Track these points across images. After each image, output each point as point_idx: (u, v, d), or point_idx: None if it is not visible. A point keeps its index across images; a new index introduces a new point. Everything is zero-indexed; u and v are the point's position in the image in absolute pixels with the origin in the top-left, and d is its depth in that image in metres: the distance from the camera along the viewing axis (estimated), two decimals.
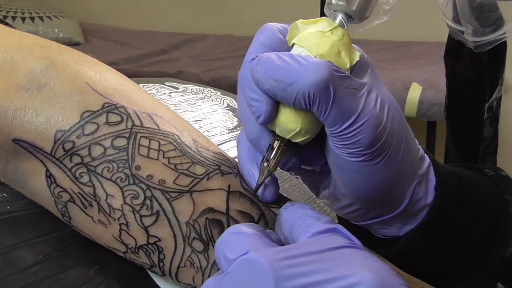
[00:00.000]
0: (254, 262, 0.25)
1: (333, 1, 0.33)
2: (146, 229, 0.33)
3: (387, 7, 0.34)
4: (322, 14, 0.35)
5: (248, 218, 0.35)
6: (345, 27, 0.33)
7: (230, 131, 0.69)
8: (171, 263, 0.34)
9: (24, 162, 0.34)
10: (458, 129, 0.67)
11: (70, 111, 0.34)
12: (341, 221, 0.40)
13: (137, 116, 0.35)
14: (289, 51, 0.33)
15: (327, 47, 0.32)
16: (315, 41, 0.32)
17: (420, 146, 0.37)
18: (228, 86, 1.92)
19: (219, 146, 0.49)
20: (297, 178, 0.40)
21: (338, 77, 0.30)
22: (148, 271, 0.36)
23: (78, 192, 0.33)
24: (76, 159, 0.33)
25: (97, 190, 0.33)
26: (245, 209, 0.35)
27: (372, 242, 0.39)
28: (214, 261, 0.33)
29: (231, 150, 0.62)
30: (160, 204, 0.33)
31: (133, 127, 0.34)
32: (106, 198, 0.33)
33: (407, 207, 0.35)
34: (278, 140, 0.33)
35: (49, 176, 0.34)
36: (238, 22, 2.84)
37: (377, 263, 0.25)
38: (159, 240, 0.33)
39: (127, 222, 0.33)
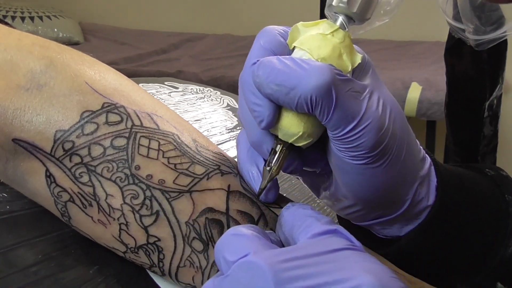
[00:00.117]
0: (253, 264, 0.25)
1: (333, 3, 0.33)
2: (145, 229, 0.33)
3: (388, 8, 0.34)
4: (322, 13, 0.35)
5: (248, 218, 0.35)
6: (346, 29, 0.33)
7: (229, 130, 0.69)
8: (170, 263, 0.34)
9: (23, 162, 0.34)
10: (458, 128, 0.67)
11: (69, 110, 0.34)
12: (342, 220, 0.40)
13: (137, 116, 0.35)
14: (290, 54, 0.33)
15: (329, 50, 0.32)
16: (316, 44, 0.32)
17: (421, 147, 0.37)
18: (228, 86, 1.92)
19: (219, 146, 0.49)
20: (297, 178, 0.40)
21: (340, 80, 0.30)
22: (148, 271, 0.36)
23: (78, 192, 0.33)
24: (76, 159, 0.33)
25: (97, 190, 0.33)
26: (245, 209, 0.35)
27: (373, 242, 0.39)
28: (214, 261, 0.33)
29: (230, 150, 0.62)
30: (159, 204, 0.33)
31: (133, 127, 0.34)
32: (106, 198, 0.33)
33: (409, 208, 0.35)
34: (280, 144, 0.33)
35: (48, 176, 0.34)
36: (238, 21, 2.84)
37: (377, 265, 0.25)
38: (159, 240, 0.33)
39: (126, 222, 0.33)
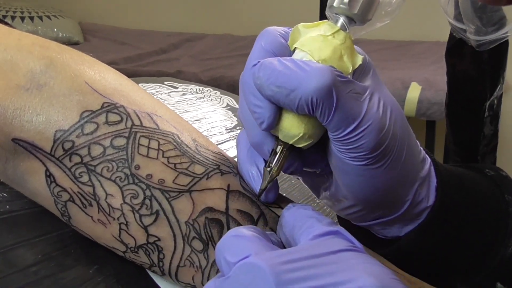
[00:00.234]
0: (255, 266, 0.25)
1: (334, 4, 0.33)
2: (145, 228, 0.33)
3: (389, 9, 0.34)
4: (322, 13, 0.35)
5: (248, 218, 0.35)
6: (347, 30, 0.33)
7: (229, 130, 0.69)
8: (170, 263, 0.34)
9: (23, 162, 0.34)
10: (459, 127, 0.67)
11: (69, 110, 0.34)
12: (342, 221, 0.40)
13: (137, 115, 0.35)
14: (290, 55, 0.33)
15: (329, 51, 0.32)
16: (317, 46, 0.32)
17: (421, 148, 0.37)
18: (228, 86, 1.92)
19: (219, 146, 0.49)
20: (298, 179, 0.40)
21: (340, 82, 0.30)
22: (147, 270, 0.36)
23: (78, 192, 0.33)
24: (76, 159, 0.33)
25: (97, 190, 0.33)
26: (244, 209, 0.35)
27: (373, 242, 0.39)
28: (214, 261, 0.33)
29: (230, 150, 0.62)
30: (159, 204, 0.33)
31: (133, 126, 0.34)
32: (106, 198, 0.33)
33: (409, 208, 0.35)
34: (281, 145, 0.33)
35: (48, 175, 0.34)
36: (238, 21, 2.84)
37: (379, 267, 0.25)
38: (159, 239, 0.33)
39: (126, 222, 0.33)
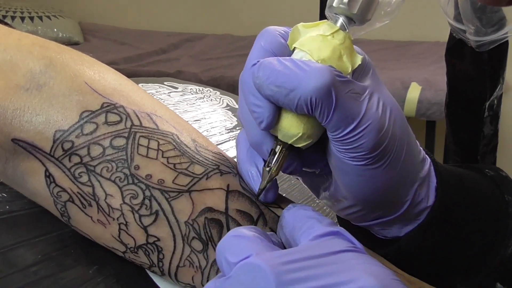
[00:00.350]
0: (255, 266, 0.25)
1: (334, 4, 0.33)
2: (145, 228, 0.33)
3: (388, 9, 0.34)
4: (322, 13, 0.35)
5: (247, 217, 0.35)
6: (347, 30, 0.33)
7: (229, 131, 0.69)
8: (170, 263, 0.34)
9: (23, 162, 0.34)
10: (459, 128, 0.67)
11: (69, 110, 0.34)
12: (341, 221, 0.40)
13: (136, 115, 0.35)
14: (290, 55, 0.33)
15: (329, 51, 0.32)
16: (316, 45, 0.32)
17: (421, 148, 0.37)
18: (228, 86, 1.92)
19: (218, 146, 0.49)
20: (297, 179, 0.40)
21: (339, 82, 0.30)
22: (147, 271, 0.36)
23: (77, 192, 0.33)
24: (75, 159, 0.33)
25: (96, 190, 0.33)
26: (244, 209, 0.35)
27: (372, 242, 0.39)
28: (214, 261, 0.33)
29: (230, 150, 0.62)
30: (159, 204, 0.33)
31: (132, 126, 0.34)
32: (105, 198, 0.33)
33: (408, 209, 0.35)
34: (280, 145, 0.33)
35: (48, 175, 0.34)
36: (238, 21, 2.84)
37: (379, 267, 0.25)
38: (158, 239, 0.33)
39: (126, 222, 0.33)
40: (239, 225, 0.34)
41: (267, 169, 0.34)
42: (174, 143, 0.35)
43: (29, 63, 0.35)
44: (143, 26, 3.00)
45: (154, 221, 0.33)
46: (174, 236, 0.33)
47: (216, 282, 0.27)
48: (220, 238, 0.33)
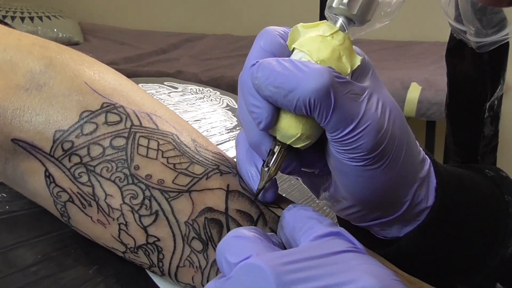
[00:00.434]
0: (256, 267, 0.25)
1: (333, 5, 0.32)
2: (145, 228, 0.33)
3: (388, 10, 0.34)
4: (322, 13, 0.35)
5: (247, 218, 0.35)
6: (346, 31, 0.32)
7: (229, 131, 0.69)
8: (170, 263, 0.34)
9: (23, 162, 0.34)
10: (459, 128, 0.67)
11: (69, 111, 0.34)
12: (341, 221, 0.40)
13: (136, 116, 0.35)
14: (289, 55, 0.33)
15: (328, 52, 0.32)
16: (315, 46, 0.32)
17: (421, 148, 0.37)
18: (228, 86, 1.92)
19: (218, 146, 0.49)
20: (297, 179, 0.40)
21: (338, 83, 0.30)
22: (147, 271, 0.36)
23: (77, 192, 0.33)
24: (75, 159, 0.33)
25: (96, 190, 0.33)
26: (244, 209, 0.35)
27: (372, 242, 0.39)
28: (214, 261, 0.33)
29: (230, 150, 0.62)
30: (159, 204, 0.33)
31: (132, 127, 0.34)
32: (105, 198, 0.33)
33: (408, 209, 0.35)
34: (279, 145, 0.33)
35: (48, 176, 0.34)
36: (238, 21, 2.84)
37: (380, 268, 0.25)
38: (158, 239, 0.33)
39: (126, 222, 0.33)
40: (239, 225, 0.34)
41: (266, 169, 0.34)
42: (174, 143, 0.35)
43: (29, 63, 0.35)
44: (143, 26, 2.99)
45: (154, 221, 0.33)
46: (174, 236, 0.33)
47: (216, 282, 0.27)
48: (220, 238, 0.33)
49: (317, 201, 0.54)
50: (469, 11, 0.42)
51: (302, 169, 0.36)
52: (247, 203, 0.35)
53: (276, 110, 0.32)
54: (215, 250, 0.33)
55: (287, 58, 0.31)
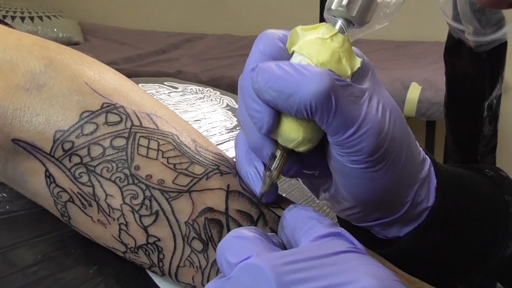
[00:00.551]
0: (256, 267, 0.25)
1: (332, 7, 0.32)
2: (145, 229, 0.33)
3: (387, 11, 0.34)
4: (322, 12, 0.35)
5: (247, 218, 0.35)
6: (346, 33, 0.32)
7: (229, 131, 0.69)
8: (170, 263, 0.34)
9: (23, 162, 0.34)
10: (458, 127, 0.67)
11: (69, 111, 0.34)
12: (341, 221, 0.40)
13: (136, 116, 0.35)
14: (289, 59, 0.33)
15: (328, 54, 0.31)
16: (315, 49, 0.32)
17: (421, 149, 0.37)
18: (228, 86, 1.92)
19: (218, 146, 0.49)
20: (297, 179, 0.40)
21: (339, 86, 0.30)
22: (147, 271, 0.36)
23: (78, 192, 0.33)
24: (75, 159, 0.33)
25: (97, 190, 0.33)
26: (244, 209, 0.35)
27: (372, 242, 0.39)
28: (214, 261, 0.33)
29: (230, 150, 0.62)
30: (159, 204, 0.33)
31: (132, 127, 0.34)
32: (106, 198, 0.33)
33: (408, 210, 0.35)
34: (280, 149, 0.33)
35: (48, 176, 0.34)
36: (238, 21, 2.84)
37: (380, 268, 0.25)
38: (159, 240, 0.33)
39: (126, 222, 0.33)
40: (239, 225, 0.34)
41: (268, 173, 0.34)
42: (174, 143, 0.35)
43: (29, 63, 0.35)
44: (143, 26, 2.99)
45: (154, 221, 0.33)
46: (174, 236, 0.33)
47: (216, 282, 0.27)
48: (220, 238, 0.33)
49: (317, 201, 0.54)
50: (467, 10, 0.41)
51: (303, 171, 0.36)
52: (247, 203, 0.35)
53: (277, 114, 0.32)
54: (215, 250, 0.33)
55: (286, 62, 0.31)
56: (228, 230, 0.34)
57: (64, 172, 0.33)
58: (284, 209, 0.34)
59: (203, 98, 0.80)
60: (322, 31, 0.32)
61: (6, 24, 0.42)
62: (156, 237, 0.33)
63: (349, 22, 0.32)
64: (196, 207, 0.34)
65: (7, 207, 0.39)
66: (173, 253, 0.33)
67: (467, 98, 0.64)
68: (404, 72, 1.95)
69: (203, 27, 2.89)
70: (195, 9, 2.95)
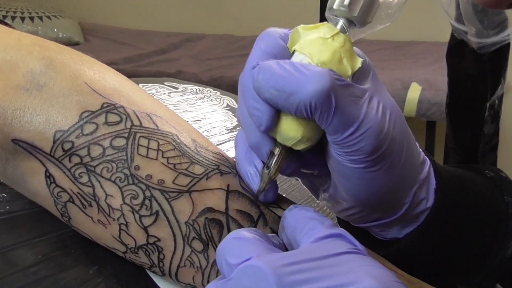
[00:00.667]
0: (256, 268, 0.25)
1: (334, 6, 0.32)
2: (145, 229, 0.33)
3: (389, 11, 0.34)
4: (322, 13, 0.35)
5: (247, 218, 0.35)
6: (347, 33, 0.32)
7: (229, 131, 0.69)
8: (170, 263, 0.34)
9: (23, 162, 0.34)
10: (459, 127, 0.67)
11: (69, 111, 0.34)
12: (341, 222, 0.40)
13: (136, 116, 0.35)
14: (290, 58, 0.33)
15: (329, 54, 0.31)
16: (316, 48, 0.31)
17: (421, 149, 0.37)
18: (228, 86, 1.92)
19: (219, 146, 0.49)
20: (296, 179, 0.40)
21: (339, 86, 0.30)
22: (147, 271, 0.36)
23: (78, 192, 0.33)
24: (75, 159, 0.33)
25: (97, 190, 0.33)
26: (244, 209, 0.35)
27: (372, 243, 0.39)
28: (214, 261, 0.33)
29: (230, 150, 0.62)
30: (159, 204, 0.33)
31: (132, 127, 0.34)
32: (106, 198, 0.33)
33: (408, 210, 0.35)
34: (279, 147, 0.33)
35: (48, 176, 0.34)
36: (238, 22, 2.84)
37: (381, 269, 0.25)
38: (159, 240, 0.33)
39: (126, 222, 0.33)
40: (239, 225, 0.34)
41: (266, 171, 0.34)
42: (174, 143, 0.35)
43: (29, 63, 0.35)
44: (143, 26, 3.00)
45: (155, 221, 0.33)
46: (174, 236, 0.33)
47: (217, 283, 0.27)
48: (220, 238, 0.33)
49: (317, 201, 0.54)
50: (470, 12, 0.41)
51: (302, 170, 0.36)
52: (247, 203, 0.35)
53: (277, 113, 0.32)
54: (215, 250, 0.33)
55: (287, 61, 0.31)
56: (228, 230, 0.34)
57: (64, 172, 0.33)
58: (284, 209, 0.34)
59: (203, 98, 0.80)
60: (323, 30, 0.32)
61: (6, 24, 0.42)
62: (156, 237, 0.33)
63: (350, 22, 0.32)
64: (196, 207, 0.34)
65: (7, 207, 0.39)
66: (173, 253, 0.33)
67: (469, 98, 0.64)
68: (404, 72, 1.95)
69: (203, 27, 2.89)
70: (195, 9, 2.95)
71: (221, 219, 0.34)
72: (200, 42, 2.69)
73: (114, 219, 0.33)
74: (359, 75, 0.33)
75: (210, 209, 0.34)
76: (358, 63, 0.33)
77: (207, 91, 0.85)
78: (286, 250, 0.31)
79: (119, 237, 0.34)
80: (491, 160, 0.69)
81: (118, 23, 3.07)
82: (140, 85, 0.79)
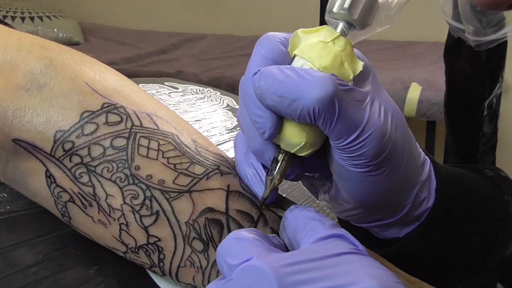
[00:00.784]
0: (257, 269, 0.25)
1: (334, 10, 0.32)
2: (146, 229, 0.33)
3: (389, 13, 0.34)
4: (322, 13, 0.35)
5: (248, 218, 0.35)
6: (347, 36, 0.32)
7: (229, 131, 0.69)
8: (171, 263, 0.34)
9: (24, 162, 0.34)
10: (458, 127, 0.67)
11: (69, 111, 0.34)
12: (341, 221, 0.40)
13: (137, 116, 0.35)
14: (291, 62, 0.33)
15: (330, 59, 0.31)
16: (317, 53, 0.31)
17: (421, 150, 0.37)
18: (228, 86, 1.92)
19: (219, 146, 0.49)
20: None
21: (342, 91, 0.30)
22: (148, 271, 0.36)
23: (78, 192, 0.33)
24: (76, 159, 0.33)
25: (97, 190, 0.33)
26: (244, 209, 0.35)
27: (372, 242, 0.39)
28: (214, 261, 0.33)
29: (230, 150, 0.62)
30: (159, 204, 0.33)
31: (133, 127, 0.34)
32: (106, 198, 0.33)
33: (409, 212, 0.35)
34: (282, 154, 0.33)
35: (49, 176, 0.34)
36: (238, 22, 2.84)
37: (382, 270, 0.25)
38: (159, 240, 0.33)
39: (127, 222, 0.33)
40: (239, 225, 0.34)
41: (270, 177, 0.34)
42: (174, 144, 0.35)
43: (29, 63, 0.35)
44: (143, 26, 3.00)
45: (155, 221, 0.33)
46: (174, 236, 0.33)
47: (217, 284, 0.27)
48: (220, 238, 0.33)
49: (317, 201, 0.54)
50: (468, 11, 0.41)
51: (305, 174, 0.36)
52: (247, 203, 0.35)
53: (280, 119, 0.32)
54: (215, 250, 0.33)
55: (289, 66, 0.31)
56: (229, 230, 0.34)
57: (65, 172, 0.33)
58: (284, 209, 0.34)
59: (203, 98, 0.80)
60: (323, 34, 0.32)
61: (6, 24, 0.42)
62: (156, 237, 0.33)
63: (350, 25, 0.32)
64: (197, 207, 0.34)
65: (8, 207, 0.39)
66: (174, 253, 0.33)
67: (466, 97, 0.64)
68: (404, 72, 1.95)
69: (203, 27, 2.89)
70: (195, 9, 2.95)
71: (221, 219, 0.34)
72: (200, 42, 2.69)
73: (114, 219, 0.33)
74: (360, 77, 0.33)
75: (211, 209, 0.34)
76: (360, 66, 0.32)
77: (207, 91, 0.85)
78: (287, 250, 0.31)
79: (120, 237, 0.34)
80: (490, 160, 0.69)
81: (118, 23, 3.07)
82: (140, 85, 0.79)
